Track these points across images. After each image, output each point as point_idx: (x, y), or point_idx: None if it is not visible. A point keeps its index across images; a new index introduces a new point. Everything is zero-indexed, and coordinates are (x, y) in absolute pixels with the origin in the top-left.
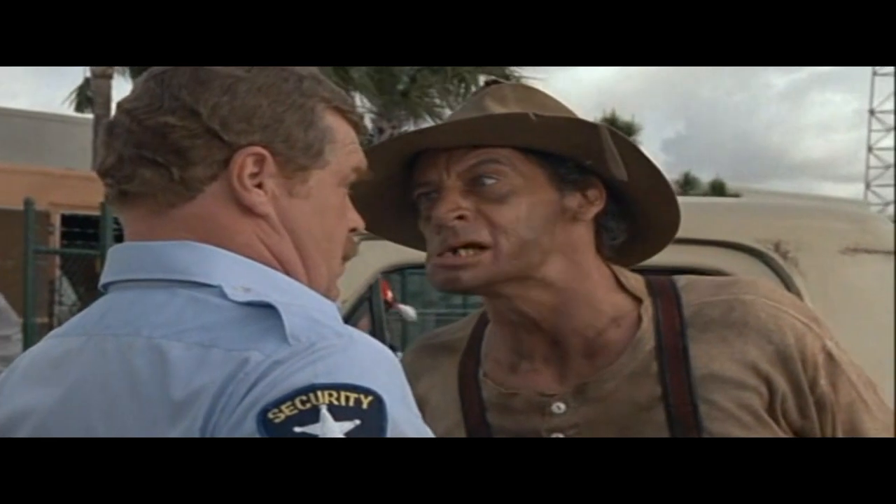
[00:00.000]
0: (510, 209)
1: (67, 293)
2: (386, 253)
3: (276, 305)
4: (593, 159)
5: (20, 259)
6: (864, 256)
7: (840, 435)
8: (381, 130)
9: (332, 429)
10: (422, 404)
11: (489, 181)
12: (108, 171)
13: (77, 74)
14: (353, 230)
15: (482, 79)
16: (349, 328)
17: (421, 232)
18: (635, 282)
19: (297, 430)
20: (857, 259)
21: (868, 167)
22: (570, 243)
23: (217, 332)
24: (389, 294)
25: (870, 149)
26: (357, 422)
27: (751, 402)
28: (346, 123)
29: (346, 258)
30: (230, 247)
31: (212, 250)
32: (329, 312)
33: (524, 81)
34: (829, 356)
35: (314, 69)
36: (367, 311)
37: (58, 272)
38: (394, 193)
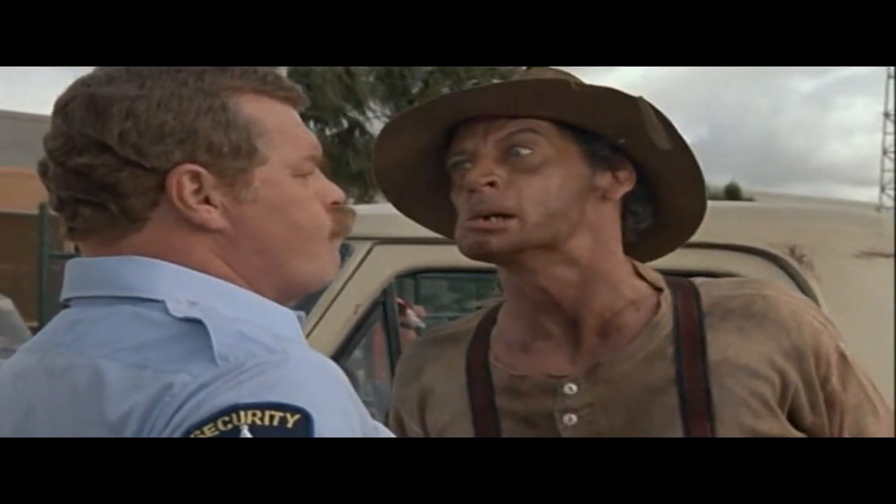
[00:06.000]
0: (540, 180)
1: None
2: (400, 256)
3: (206, 323)
4: (630, 135)
5: (35, 264)
6: (880, 260)
7: (846, 435)
8: None
9: None
10: (427, 395)
11: (524, 151)
12: (55, 209)
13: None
14: (335, 203)
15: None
16: (285, 342)
17: (451, 209)
18: (654, 274)
19: None
20: (872, 263)
21: (882, 170)
22: (597, 221)
23: (151, 352)
24: (399, 300)
25: (884, 151)
26: None
27: (763, 392)
28: (276, 104)
29: (336, 235)
30: (186, 266)
31: (157, 264)
32: (273, 325)
33: None
34: (843, 356)
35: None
36: (380, 316)
37: None
38: (427, 168)
